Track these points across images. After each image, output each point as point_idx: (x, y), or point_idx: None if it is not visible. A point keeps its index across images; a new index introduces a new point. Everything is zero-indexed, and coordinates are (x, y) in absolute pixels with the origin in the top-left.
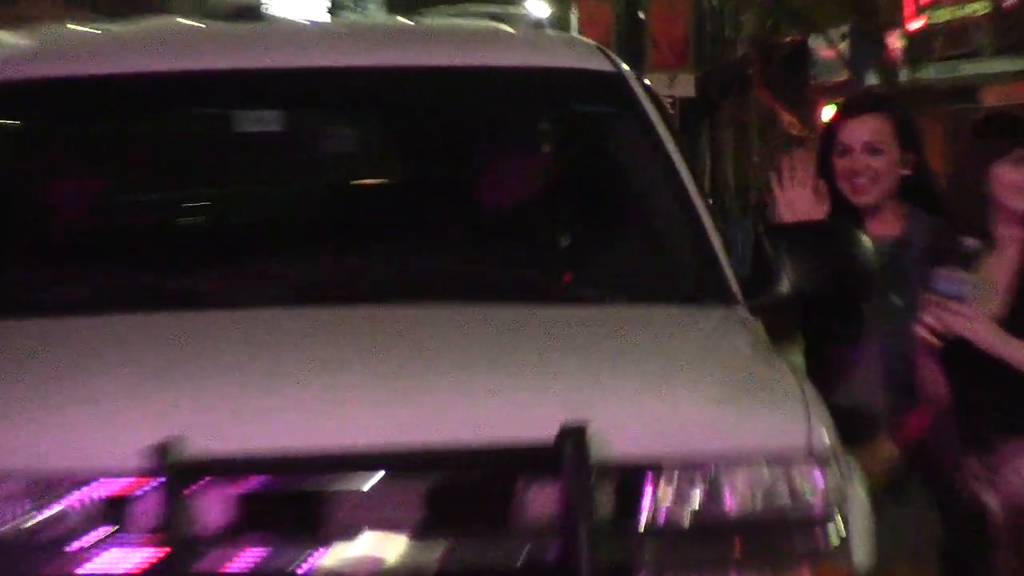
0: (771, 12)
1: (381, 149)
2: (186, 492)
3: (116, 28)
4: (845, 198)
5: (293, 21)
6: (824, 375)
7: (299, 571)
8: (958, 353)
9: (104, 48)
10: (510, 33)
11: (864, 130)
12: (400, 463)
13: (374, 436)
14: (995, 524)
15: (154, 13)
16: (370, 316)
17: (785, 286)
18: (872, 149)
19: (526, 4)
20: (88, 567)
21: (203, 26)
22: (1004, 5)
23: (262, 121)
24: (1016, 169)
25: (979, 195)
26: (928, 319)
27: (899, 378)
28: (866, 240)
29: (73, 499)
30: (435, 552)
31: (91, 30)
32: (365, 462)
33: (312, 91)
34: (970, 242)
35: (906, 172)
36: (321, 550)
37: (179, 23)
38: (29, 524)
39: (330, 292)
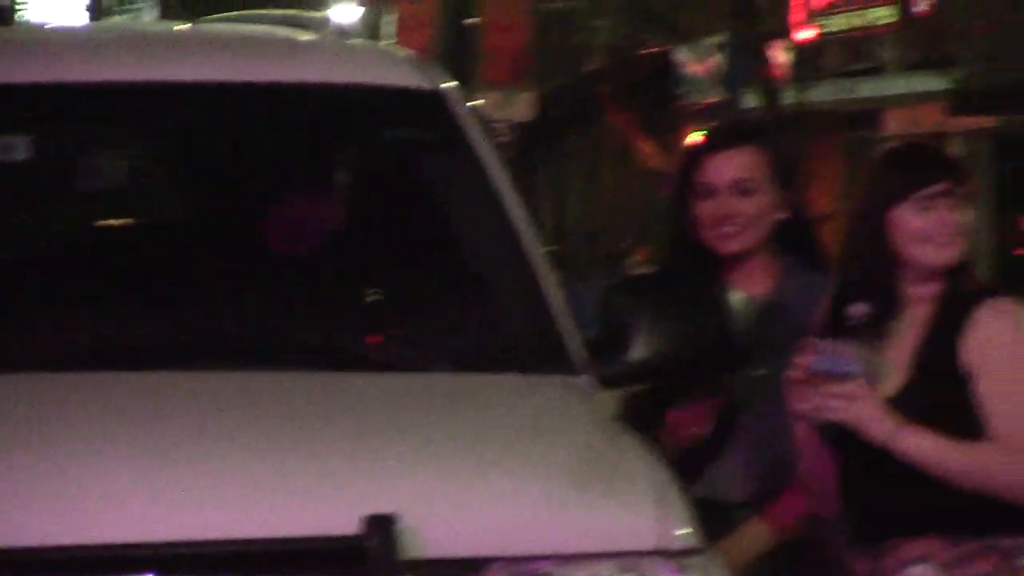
0: (630, 17)
1: (147, 182)
2: None
3: None
4: (708, 249)
5: (44, 27)
6: (684, 458)
7: None
8: (850, 437)
9: None
10: (306, 42)
11: (731, 166)
12: (169, 563)
13: (137, 531)
14: None
15: None
16: (134, 385)
17: (639, 352)
18: (742, 190)
19: (332, 7)
20: None
21: None
22: (915, 11)
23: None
24: (921, 213)
25: (879, 246)
26: (801, 403)
27: (771, 463)
28: (733, 298)
29: None
30: None
31: None
32: (124, 562)
33: (63, 110)
34: (859, 308)
35: (783, 216)
36: None
37: None
38: None
39: (79, 355)
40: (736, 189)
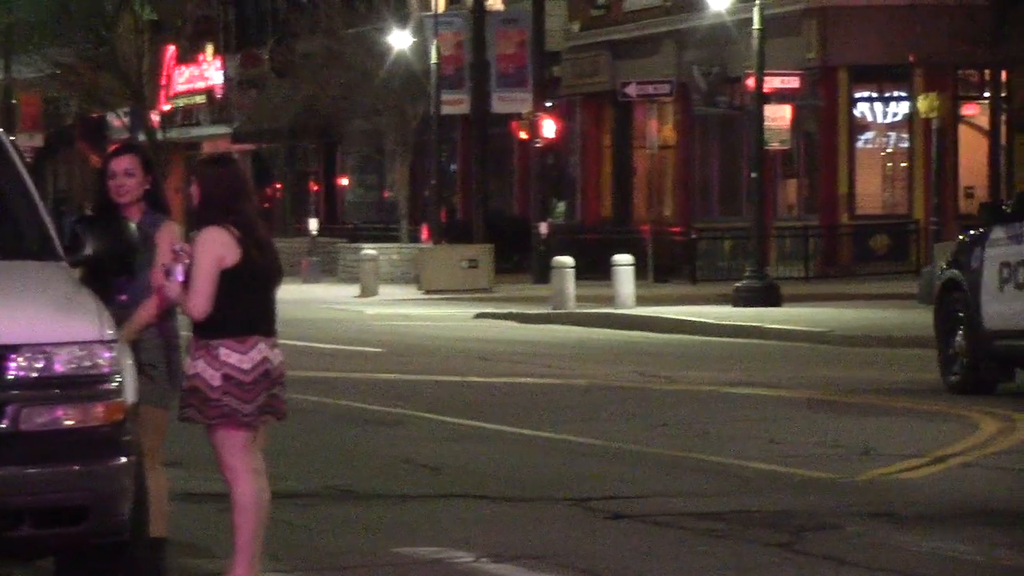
0: (85, 98)
1: None
2: None
3: None
4: (114, 201)
5: None
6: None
7: None
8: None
9: None
10: None
11: (123, 162)
12: None
13: None
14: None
15: None
16: None
17: (87, 250)
18: (128, 173)
19: None
20: None
21: None
22: (216, 97)
23: None
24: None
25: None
26: (158, 280)
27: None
28: (133, 226)
29: None
30: None
31: None
32: None
33: None
34: (182, 246)
35: (147, 187)
36: None
37: None
38: None
39: None
40: (126, 173)
